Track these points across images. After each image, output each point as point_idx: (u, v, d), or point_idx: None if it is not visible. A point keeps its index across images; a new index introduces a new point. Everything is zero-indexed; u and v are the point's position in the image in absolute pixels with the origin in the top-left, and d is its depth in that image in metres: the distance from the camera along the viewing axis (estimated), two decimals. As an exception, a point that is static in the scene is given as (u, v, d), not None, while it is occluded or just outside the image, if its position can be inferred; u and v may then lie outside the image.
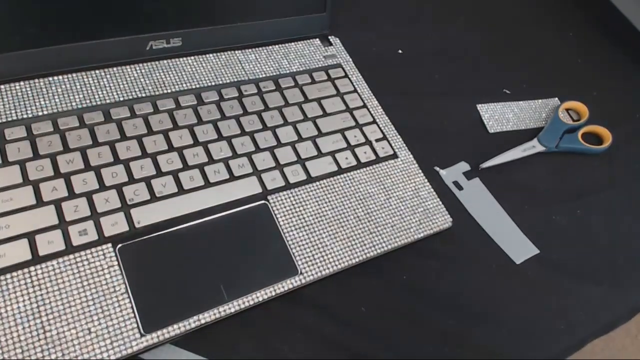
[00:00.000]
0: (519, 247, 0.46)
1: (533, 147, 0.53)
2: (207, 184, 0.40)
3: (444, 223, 0.44)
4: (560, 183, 0.52)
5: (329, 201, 0.43)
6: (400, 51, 0.59)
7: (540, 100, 0.58)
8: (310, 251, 0.40)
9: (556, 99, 0.59)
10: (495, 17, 0.67)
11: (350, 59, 0.53)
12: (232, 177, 0.41)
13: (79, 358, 0.32)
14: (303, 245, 0.40)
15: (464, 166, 0.50)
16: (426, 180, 0.46)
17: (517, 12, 0.69)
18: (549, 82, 0.61)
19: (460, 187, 0.49)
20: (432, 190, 0.46)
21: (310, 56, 0.52)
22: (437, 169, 0.49)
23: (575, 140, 0.54)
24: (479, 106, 0.56)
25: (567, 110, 0.58)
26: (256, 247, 0.39)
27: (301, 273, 0.38)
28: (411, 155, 0.48)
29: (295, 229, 0.40)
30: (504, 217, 0.47)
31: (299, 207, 0.42)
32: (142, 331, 0.33)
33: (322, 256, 0.40)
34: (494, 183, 0.49)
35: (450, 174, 0.49)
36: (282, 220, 0.40)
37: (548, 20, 0.70)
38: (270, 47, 0.51)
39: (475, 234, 0.46)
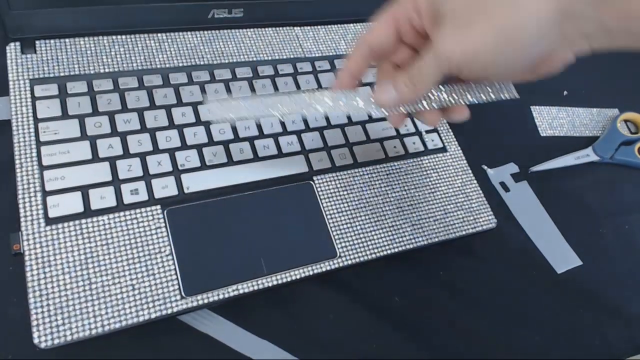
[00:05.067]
0: (562, 257, 0.45)
1: (587, 155, 0.51)
2: (256, 157, 0.41)
3: (487, 223, 0.43)
4: (611, 196, 0.50)
5: (373, 188, 0.42)
6: (458, 43, 0.57)
7: (598, 109, 0.56)
8: (350, 236, 0.40)
9: (616, 109, 0.57)
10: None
11: (408, 47, 0.52)
12: (280, 154, 0.42)
13: (121, 312, 0.33)
14: (344, 229, 0.40)
15: (512, 167, 0.49)
16: (473, 177, 0.46)
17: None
18: (610, 91, 0.58)
19: (507, 189, 0.48)
20: (478, 188, 0.45)
21: (367, 39, 0.51)
22: (485, 167, 0.48)
23: (631, 153, 0.52)
24: (532, 108, 0.54)
25: (626, 121, 0.56)
26: (298, 226, 0.39)
27: (339, 256, 0.38)
28: (460, 151, 0.47)
29: (337, 212, 0.40)
30: (549, 224, 0.46)
31: (342, 190, 0.41)
32: (182, 294, 0.34)
33: (362, 242, 0.40)
34: (542, 188, 0.48)
35: (498, 174, 0.48)
36: (325, 202, 0.40)
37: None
38: (329, 26, 0.50)
39: (518, 238, 0.45)
